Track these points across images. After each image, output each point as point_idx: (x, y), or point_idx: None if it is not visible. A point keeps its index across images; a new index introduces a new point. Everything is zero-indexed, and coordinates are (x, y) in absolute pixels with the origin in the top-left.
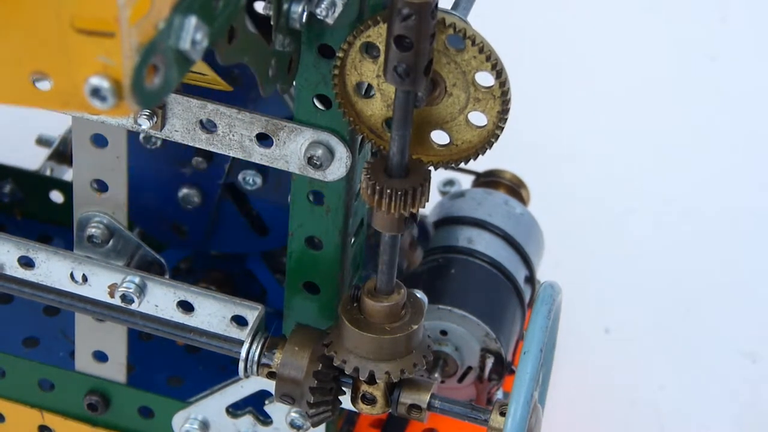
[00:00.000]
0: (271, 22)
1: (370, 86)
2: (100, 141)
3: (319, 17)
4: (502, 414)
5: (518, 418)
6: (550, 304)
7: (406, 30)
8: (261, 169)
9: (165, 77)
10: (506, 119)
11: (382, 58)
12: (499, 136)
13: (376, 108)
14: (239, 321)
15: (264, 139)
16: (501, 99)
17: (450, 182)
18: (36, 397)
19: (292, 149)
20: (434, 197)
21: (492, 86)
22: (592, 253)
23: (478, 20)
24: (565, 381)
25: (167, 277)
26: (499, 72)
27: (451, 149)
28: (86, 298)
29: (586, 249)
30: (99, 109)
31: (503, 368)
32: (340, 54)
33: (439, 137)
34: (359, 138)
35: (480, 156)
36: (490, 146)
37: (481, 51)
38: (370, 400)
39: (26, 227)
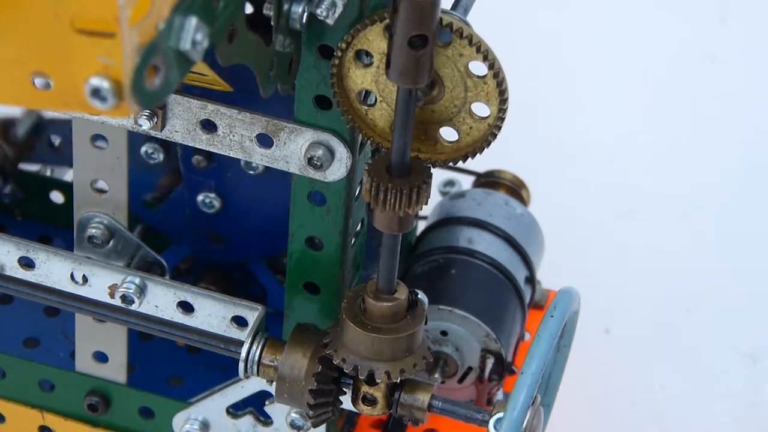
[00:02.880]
0: (272, 23)
1: (371, 94)
2: (100, 141)
3: (319, 17)
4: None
5: (515, 420)
6: (564, 311)
7: (415, 26)
8: (219, 193)
9: (165, 78)
10: (506, 107)
11: (376, 63)
12: (501, 125)
13: (382, 114)
14: (239, 321)
15: (264, 140)
16: (497, 87)
17: (450, 183)
18: (36, 398)
19: (292, 150)
20: (435, 198)
21: (486, 75)
22: (592, 254)
23: (478, 20)
24: (566, 381)
25: (167, 277)
26: (489, 60)
27: (460, 144)
28: (86, 299)
29: (586, 249)
30: (99, 109)
31: (503, 369)
32: (335, 62)
33: (447, 134)
34: (359, 138)
35: (486, 148)
36: (494, 137)
37: (469, 42)
38: (371, 401)
39: (26, 228)
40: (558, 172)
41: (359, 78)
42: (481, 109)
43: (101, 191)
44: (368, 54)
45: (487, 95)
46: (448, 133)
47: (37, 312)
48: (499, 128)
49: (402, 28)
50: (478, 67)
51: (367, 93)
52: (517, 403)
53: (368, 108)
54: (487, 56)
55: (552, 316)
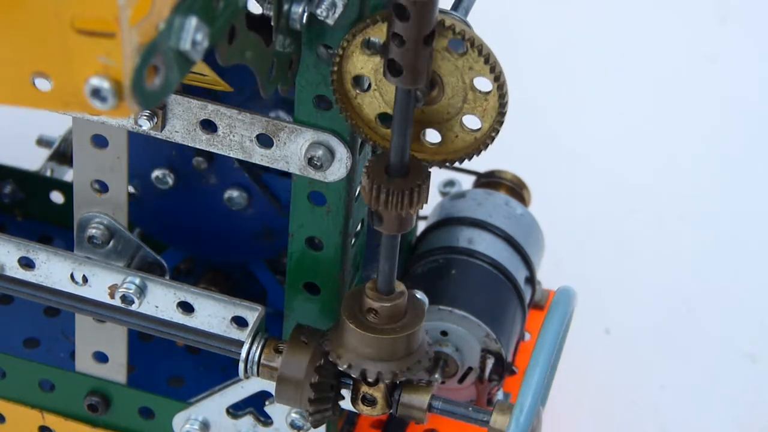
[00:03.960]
0: (272, 23)
1: (367, 80)
2: (100, 141)
3: (319, 18)
4: (503, 414)
5: (522, 423)
6: (565, 310)
7: (401, 28)
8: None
9: (165, 78)
10: (500, 127)
11: (374, 86)
12: (491, 142)
13: (371, 102)
14: (239, 322)
15: (264, 140)
16: (498, 106)
17: (450, 183)
18: (36, 398)
19: (292, 150)
20: (435, 198)
21: (490, 92)
22: (592, 254)
23: (479, 21)
24: (566, 381)
25: (167, 277)
26: (498, 79)
27: (443, 148)
28: (86, 299)
29: (586, 249)
30: (99, 109)
31: (504, 369)
32: (343, 44)
33: (430, 135)
34: (359, 138)
35: (468, 160)
36: (481, 152)
37: (481, 56)
38: (371, 401)
39: (27, 228)
40: (558, 172)
41: (361, 64)
42: (472, 121)
43: (101, 191)
44: (374, 44)
45: (485, 111)
46: (431, 135)
47: (37, 312)
48: (489, 143)
49: (400, 30)
50: (484, 83)
51: (362, 78)
52: (523, 407)
53: (361, 94)
54: (496, 73)
55: (553, 319)
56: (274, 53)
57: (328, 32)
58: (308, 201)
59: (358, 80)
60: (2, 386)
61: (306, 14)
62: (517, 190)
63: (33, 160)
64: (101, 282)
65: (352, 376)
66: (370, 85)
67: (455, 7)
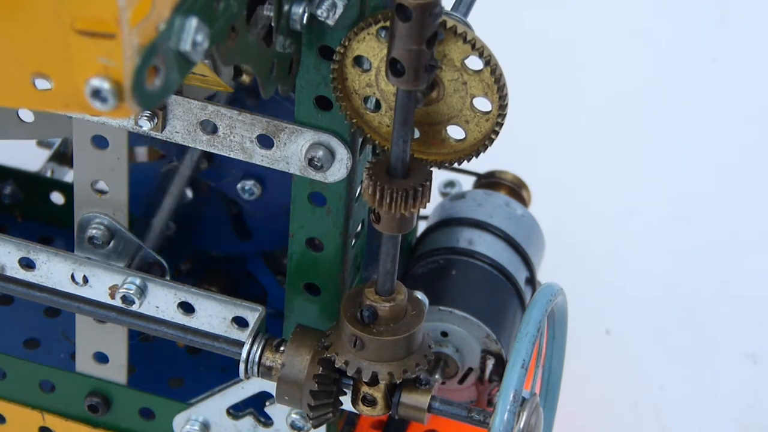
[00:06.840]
0: (272, 24)
1: (375, 99)
2: (100, 142)
3: (319, 18)
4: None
5: (506, 413)
6: (545, 303)
7: (406, 29)
8: (260, 179)
9: (166, 78)
10: (507, 101)
11: (374, 70)
12: (504, 116)
13: (386, 119)
14: (240, 322)
15: (265, 141)
16: (495, 81)
17: (451, 183)
18: (37, 399)
19: (292, 150)
20: (435, 199)
21: (482, 69)
22: (592, 255)
23: (479, 21)
24: (566, 382)
25: (168, 278)
26: (483, 53)
27: (467, 141)
28: (87, 300)
29: (586, 250)
30: (99, 110)
31: (504, 369)
32: (334, 65)
33: (454, 132)
34: (360, 139)
35: (489, 146)
36: (497, 133)
37: (462, 39)
38: (371, 402)
39: (27, 228)
40: (559, 172)
41: (358, 83)
42: (482, 103)
43: (102, 192)
44: (363, 60)
45: (486, 89)
46: (455, 132)
47: (37, 313)
48: (501, 124)
49: (401, 32)
50: (475, 63)
51: (369, 98)
52: (506, 398)
53: (373, 114)
54: (480, 50)
55: (531, 308)
56: (274, 54)
57: (328, 33)
58: (308, 202)
59: (366, 101)
60: (2, 387)
61: (306, 15)
62: (517, 190)
63: (33, 160)
64: (102, 282)
65: (352, 376)
66: (376, 102)
67: (455, 7)
